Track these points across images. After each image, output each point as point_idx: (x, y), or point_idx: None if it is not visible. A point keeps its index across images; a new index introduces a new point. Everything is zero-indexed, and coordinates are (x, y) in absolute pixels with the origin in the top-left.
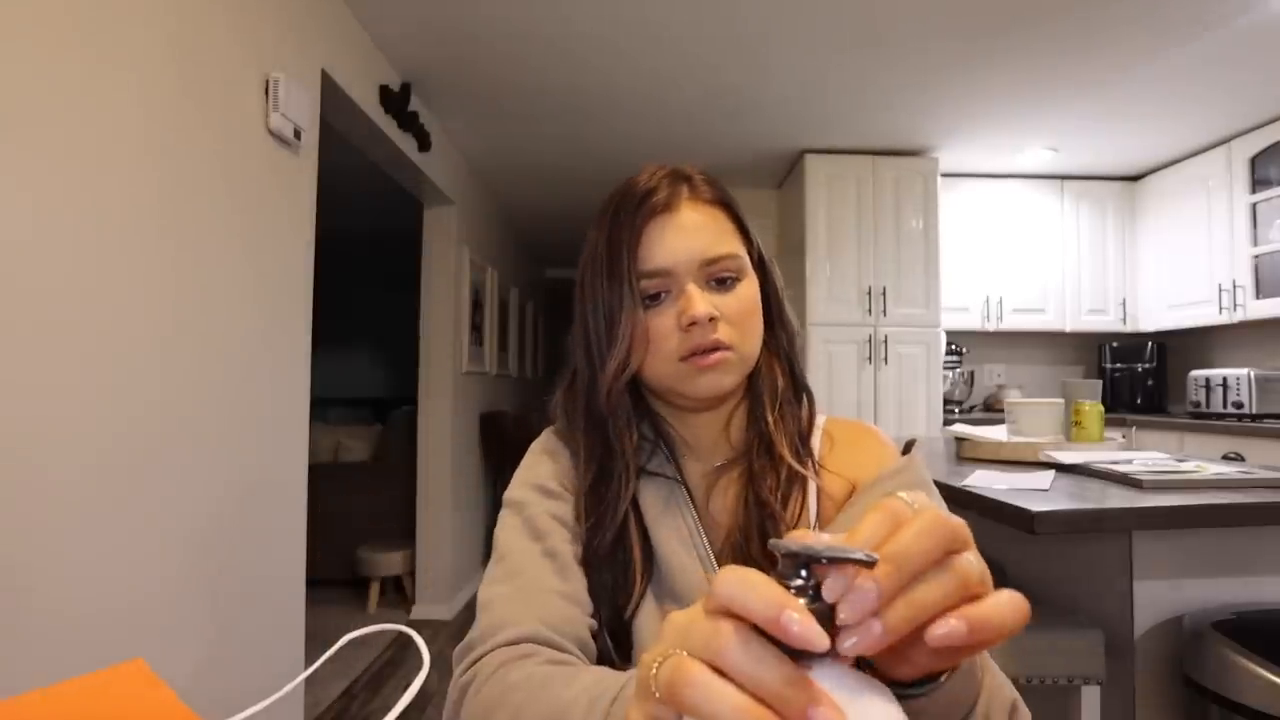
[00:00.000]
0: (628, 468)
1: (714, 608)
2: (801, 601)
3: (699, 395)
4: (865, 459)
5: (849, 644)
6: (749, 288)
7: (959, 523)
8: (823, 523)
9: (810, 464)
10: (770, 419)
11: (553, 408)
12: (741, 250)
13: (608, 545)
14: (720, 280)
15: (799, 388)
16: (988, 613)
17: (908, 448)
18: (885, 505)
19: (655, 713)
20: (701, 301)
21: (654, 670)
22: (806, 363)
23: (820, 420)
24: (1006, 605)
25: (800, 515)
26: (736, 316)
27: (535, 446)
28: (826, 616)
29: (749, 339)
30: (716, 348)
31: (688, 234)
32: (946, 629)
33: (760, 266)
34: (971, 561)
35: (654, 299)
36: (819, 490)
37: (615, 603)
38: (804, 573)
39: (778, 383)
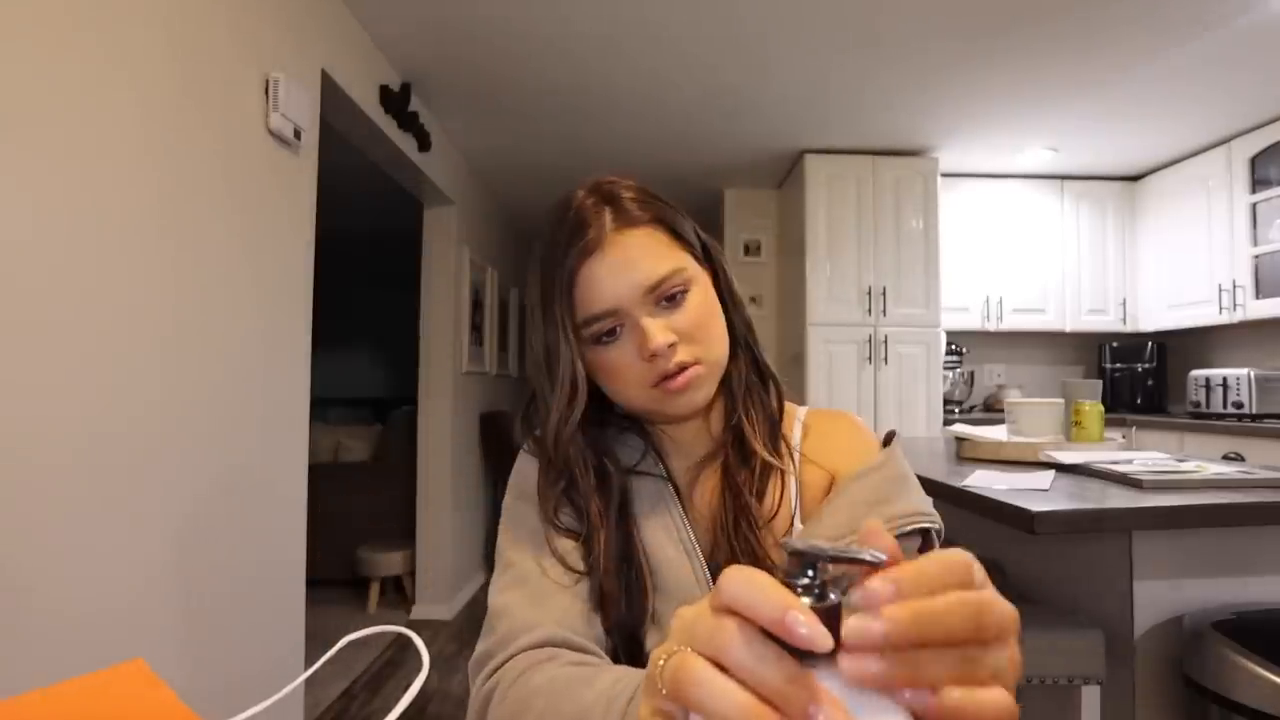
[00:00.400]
0: (598, 511)
1: (719, 606)
2: (806, 601)
3: (676, 414)
4: (842, 446)
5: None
6: (700, 294)
7: (1010, 614)
8: (804, 511)
9: (787, 455)
10: (739, 409)
11: (516, 434)
12: (684, 260)
13: (611, 562)
14: (670, 298)
15: (763, 374)
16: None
17: (888, 439)
18: (956, 561)
19: (663, 708)
20: (658, 332)
21: (660, 666)
22: (807, 363)
23: (801, 412)
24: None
25: (779, 506)
26: (694, 330)
27: (524, 452)
28: (834, 616)
29: (714, 347)
30: (683, 369)
31: (623, 269)
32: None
33: (707, 258)
34: (1009, 659)
35: (610, 334)
36: (798, 480)
37: (632, 614)
38: (810, 572)
39: (742, 372)
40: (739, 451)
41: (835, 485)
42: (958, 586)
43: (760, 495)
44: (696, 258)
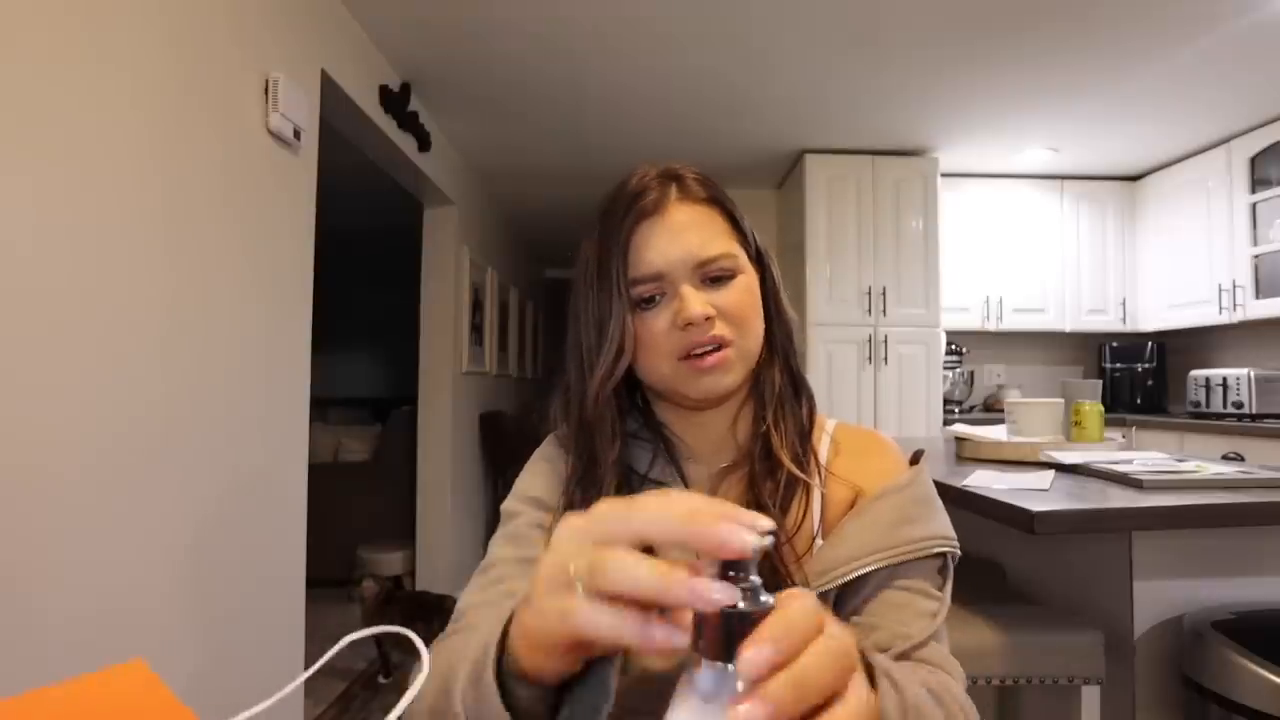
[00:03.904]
0: (610, 475)
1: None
2: (742, 605)
3: (700, 395)
4: (872, 466)
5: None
6: (746, 282)
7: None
8: (826, 528)
9: (814, 469)
10: (769, 420)
11: (553, 416)
12: (736, 248)
13: None
14: (715, 278)
15: (797, 386)
16: None
17: (915, 457)
18: (811, 609)
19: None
20: (696, 301)
21: (570, 569)
22: (806, 364)
23: (830, 426)
24: None
25: (803, 521)
26: (734, 312)
27: (536, 454)
28: (753, 622)
29: (749, 335)
30: (718, 346)
31: (679, 235)
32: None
33: (758, 261)
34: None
35: (649, 302)
36: (823, 496)
37: None
38: (741, 574)
39: (776, 382)
40: (765, 463)
41: (859, 502)
42: (818, 632)
43: (785, 509)
44: (750, 255)
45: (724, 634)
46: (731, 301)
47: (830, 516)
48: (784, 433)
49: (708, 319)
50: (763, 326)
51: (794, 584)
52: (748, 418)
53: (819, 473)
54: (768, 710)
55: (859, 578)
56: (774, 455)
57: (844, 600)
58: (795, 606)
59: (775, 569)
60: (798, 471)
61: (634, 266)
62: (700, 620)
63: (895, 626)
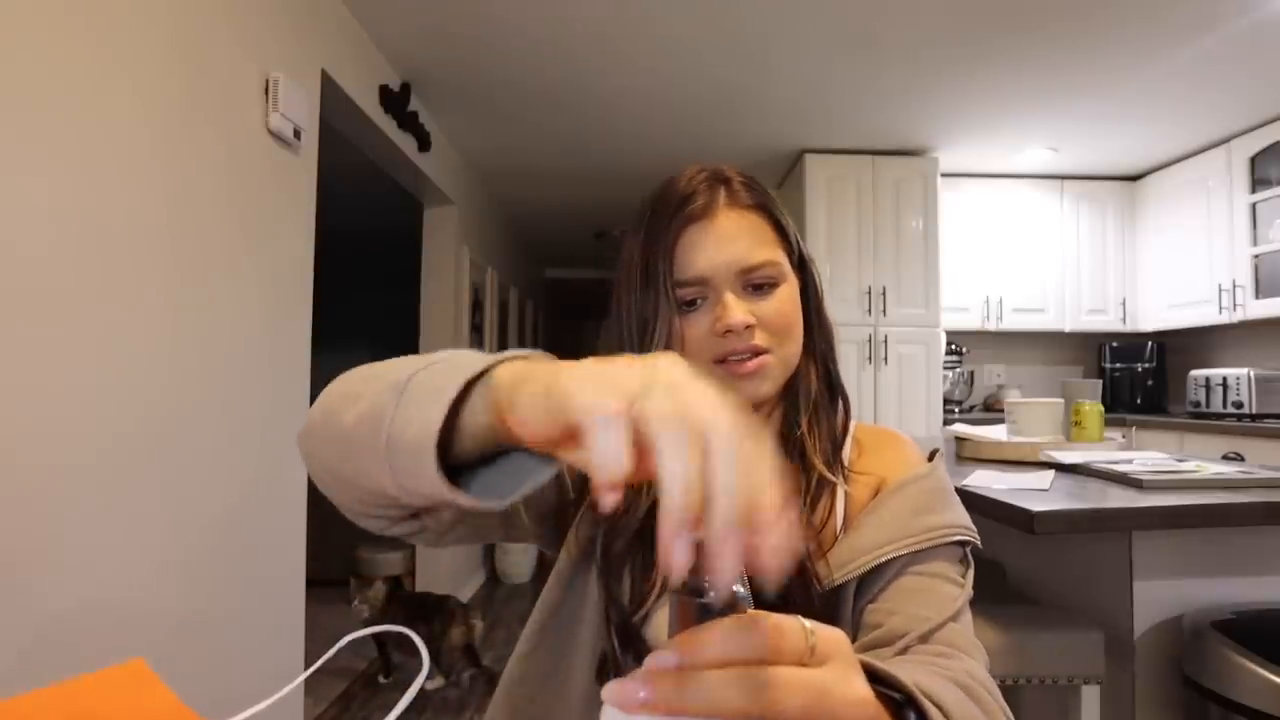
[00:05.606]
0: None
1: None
2: (714, 597)
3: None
4: (892, 460)
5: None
6: (788, 291)
7: (814, 688)
8: (848, 524)
9: (840, 471)
10: (803, 424)
11: None
12: (780, 255)
13: (624, 547)
14: (758, 286)
15: (834, 391)
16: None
17: (931, 456)
18: (754, 627)
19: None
20: (738, 309)
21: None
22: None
23: (851, 427)
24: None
25: (828, 521)
26: (775, 322)
27: None
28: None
29: (788, 344)
30: (756, 353)
31: (725, 241)
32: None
33: (800, 267)
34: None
35: (690, 305)
36: (846, 495)
37: (632, 600)
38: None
39: (812, 386)
40: (797, 463)
41: (879, 494)
42: (754, 656)
43: (812, 507)
44: (793, 262)
45: (694, 625)
46: (773, 311)
47: (853, 513)
48: (817, 438)
49: (748, 328)
50: (802, 335)
51: (817, 579)
52: (778, 422)
53: (844, 474)
54: (644, 694)
55: (878, 567)
56: (807, 458)
57: (864, 590)
58: (729, 622)
59: (803, 567)
60: (828, 474)
61: (679, 269)
62: (675, 608)
63: (912, 610)
